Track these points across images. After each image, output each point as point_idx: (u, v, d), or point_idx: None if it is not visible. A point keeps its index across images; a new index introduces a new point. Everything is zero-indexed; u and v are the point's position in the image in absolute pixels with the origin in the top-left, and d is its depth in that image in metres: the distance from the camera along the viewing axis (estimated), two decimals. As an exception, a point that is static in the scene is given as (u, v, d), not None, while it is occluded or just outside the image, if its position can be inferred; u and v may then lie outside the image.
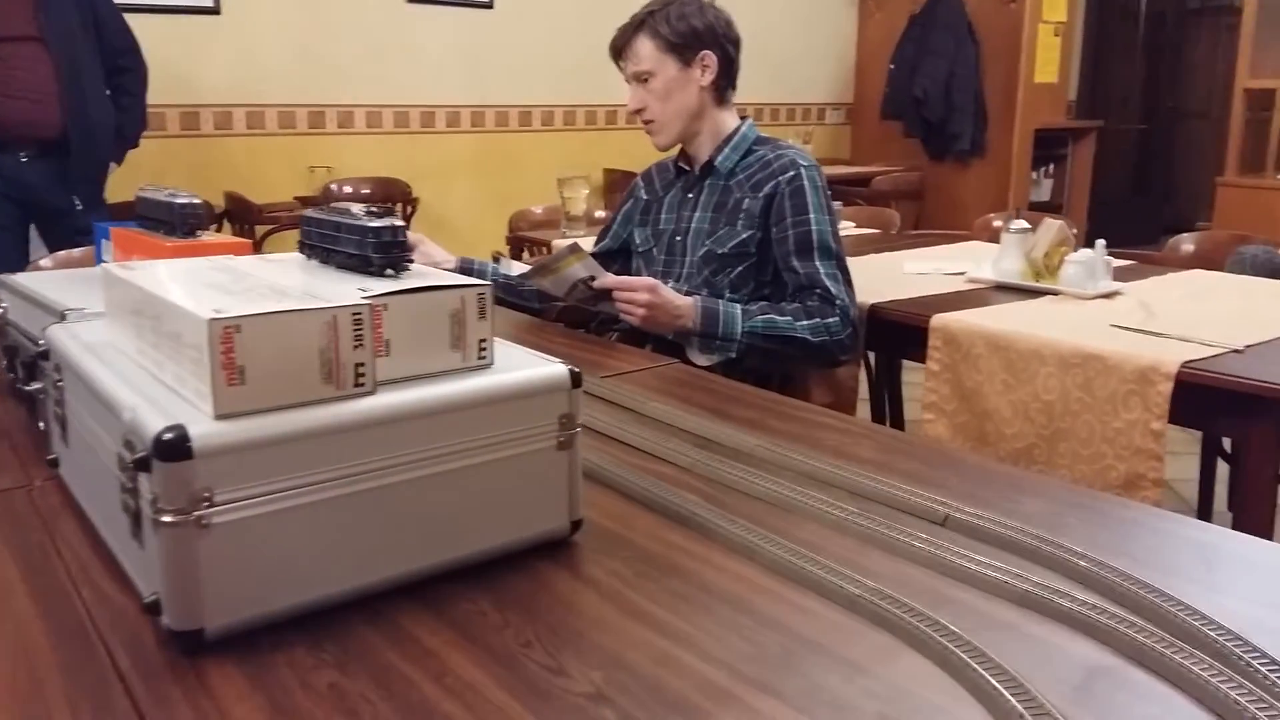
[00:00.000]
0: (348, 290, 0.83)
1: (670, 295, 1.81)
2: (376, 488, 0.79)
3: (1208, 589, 0.84)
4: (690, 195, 2.03)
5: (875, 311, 1.99)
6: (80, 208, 3.07)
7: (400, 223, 0.90)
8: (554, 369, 0.89)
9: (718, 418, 1.29)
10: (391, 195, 4.46)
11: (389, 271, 0.89)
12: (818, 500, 1.02)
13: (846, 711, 0.68)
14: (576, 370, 0.90)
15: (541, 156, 4.95)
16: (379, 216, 0.90)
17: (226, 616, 0.74)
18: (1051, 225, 2.11)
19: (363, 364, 0.79)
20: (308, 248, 0.99)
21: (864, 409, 3.08)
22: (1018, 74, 5.37)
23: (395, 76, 4.64)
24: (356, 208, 0.92)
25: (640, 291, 1.79)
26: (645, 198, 2.14)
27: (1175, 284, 2.19)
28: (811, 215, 1.87)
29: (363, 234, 0.89)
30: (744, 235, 1.92)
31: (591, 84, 5.00)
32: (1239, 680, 0.70)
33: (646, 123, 1.98)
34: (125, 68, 3.23)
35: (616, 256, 2.18)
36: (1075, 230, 2.38)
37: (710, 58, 1.90)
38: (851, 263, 1.93)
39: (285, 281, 0.86)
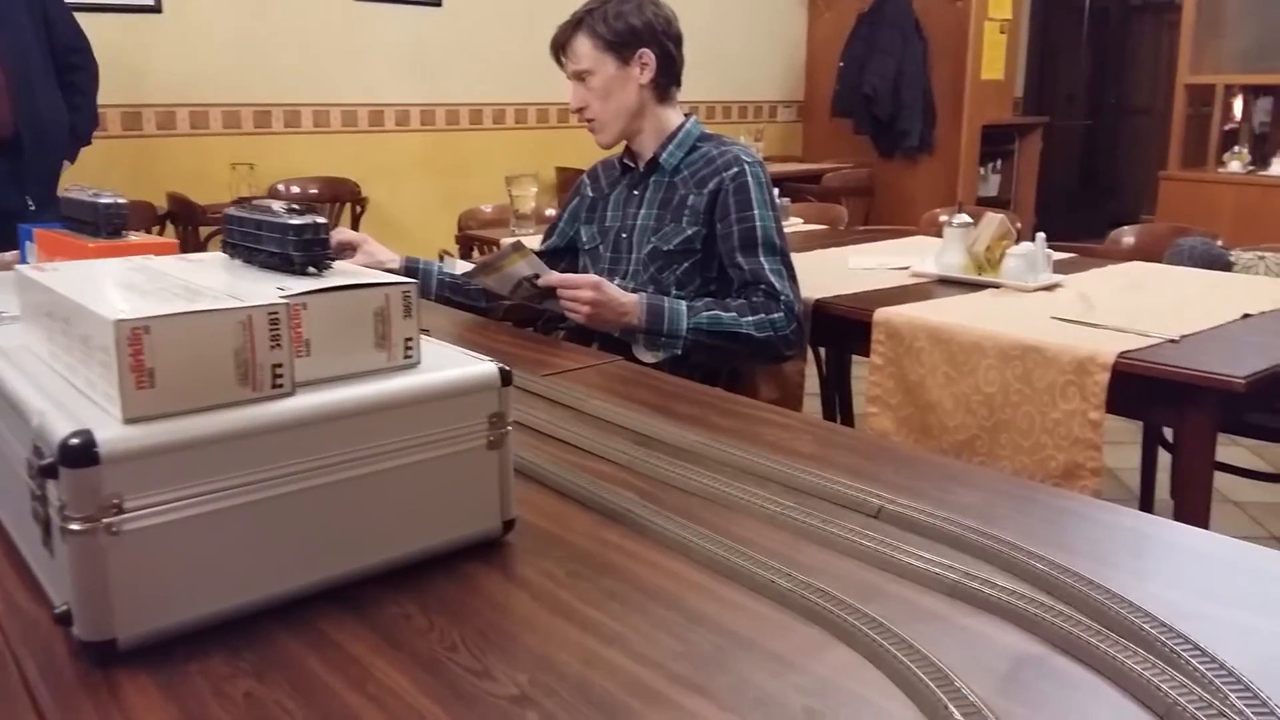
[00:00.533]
0: (266, 289, 0.81)
1: (615, 292, 1.80)
2: (297, 491, 0.77)
3: (1137, 577, 0.85)
4: (636, 192, 2.02)
5: (820, 306, 2.00)
6: (33, 208, 3.01)
7: (322, 220, 0.88)
8: (483, 367, 0.88)
9: (659, 414, 1.28)
10: (340, 195, 4.41)
11: (311, 270, 0.87)
12: (754, 495, 1.01)
13: (774, 707, 0.67)
14: (506, 368, 0.89)
15: (493, 155, 4.91)
16: (300, 214, 0.88)
17: (139, 626, 0.72)
18: (993, 219, 2.13)
19: (280, 365, 0.77)
20: (230, 247, 0.97)
21: (815, 405, 3.10)
22: (965, 71, 5.43)
23: (342, 75, 4.58)
24: (278, 205, 0.90)
25: (584, 289, 1.78)
26: (591, 195, 2.13)
27: (1114, 276, 2.22)
28: (756, 211, 1.87)
29: (283, 232, 0.87)
30: (689, 232, 1.91)
31: (543, 82, 4.96)
32: (1163, 667, 0.70)
33: (588, 121, 1.97)
34: (77, 65, 3.18)
35: (564, 254, 2.17)
36: (1019, 225, 2.41)
37: (649, 56, 1.89)
38: (798, 258, 1.93)
39: (202, 281, 0.84)
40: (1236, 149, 5.11)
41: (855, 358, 2.91)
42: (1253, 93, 5.40)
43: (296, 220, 0.87)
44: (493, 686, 0.70)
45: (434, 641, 0.75)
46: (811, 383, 2.97)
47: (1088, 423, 1.55)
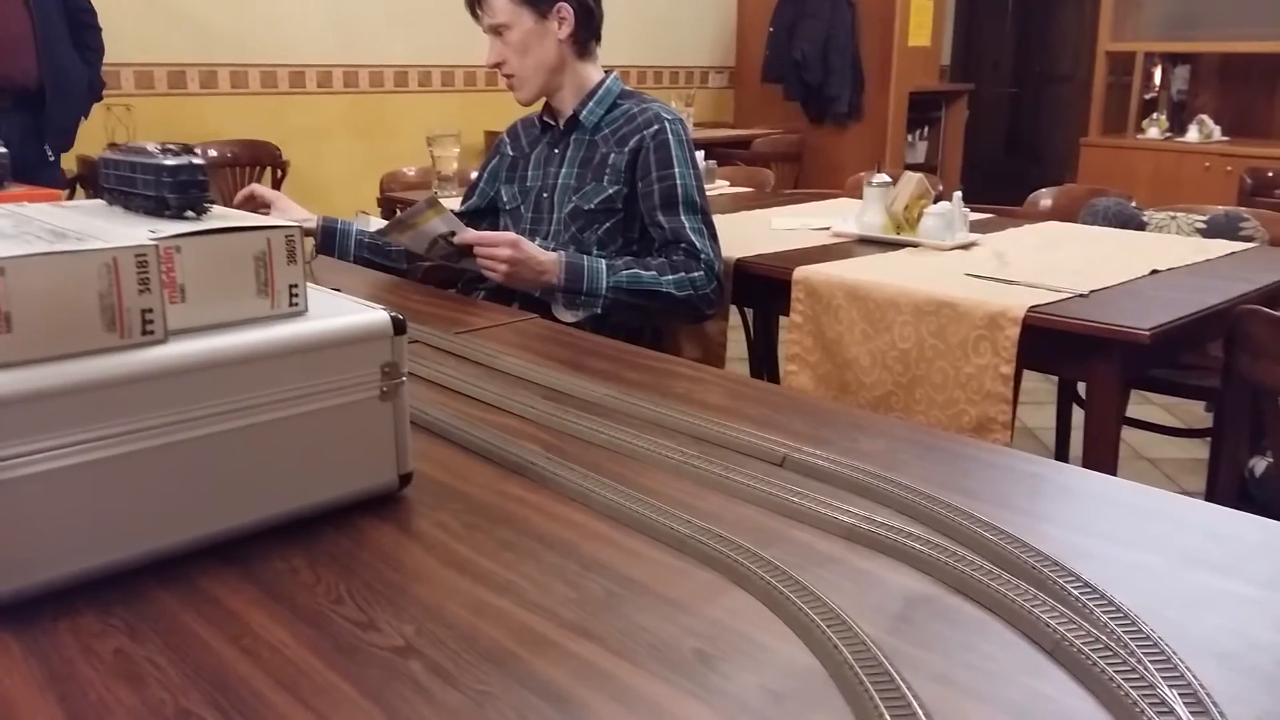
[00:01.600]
0: (137, 232, 0.77)
1: (533, 250, 1.77)
2: (174, 443, 0.74)
3: (1034, 519, 0.86)
4: (556, 151, 1.98)
5: (741, 266, 1.99)
6: (52, 158, 3.08)
7: (199, 161, 0.84)
8: (374, 315, 0.85)
9: (570, 370, 1.26)
10: (259, 158, 4.28)
11: (189, 213, 0.83)
12: (660, 446, 1.00)
13: (664, 650, 0.66)
14: (399, 316, 0.86)
15: (418, 118, 4.81)
16: (176, 155, 0.84)
17: (2, 584, 0.69)
18: (911, 179, 2.14)
19: (151, 310, 0.73)
20: (108, 192, 0.92)
21: (744, 369, 3.11)
22: (892, 37, 5.45)
23: (261, 34, 4.44)
24: (153, 146, 0.86)
25: (501, 247, 1.75)
26: (511, 154, 2.09)
27: (1029, 235, 2.25)
28: (676, 170, 1.85)
29: (158, 173, 0.83)
30: (610, 191, 1.89)
31: (470, 44, 4.85)
32: (1052, 604, 0.71)
33: (506, 77, 1.93)
34: (88, 24, 3.28)
35: (485, 215, 2.13)
36: (943, 189, 2.42)
37: (566, 10, 1.86)
38: (721, 219, 1.92)
39: (72, 225, 0.79)
40: (1155, 115, 5.22)
41: (782, 319, 2.92)
42: (1171, 61, 5.51)
43: (171, 161, 0.83)
44: (377, 638, 0.67)
45: (319, 595, 0.73)
46: (741, 346, 2.98)
47: (999, 377, 1.57)
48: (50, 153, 3.13)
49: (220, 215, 0.85)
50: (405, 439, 0.88)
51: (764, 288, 2.00)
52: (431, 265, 2.01)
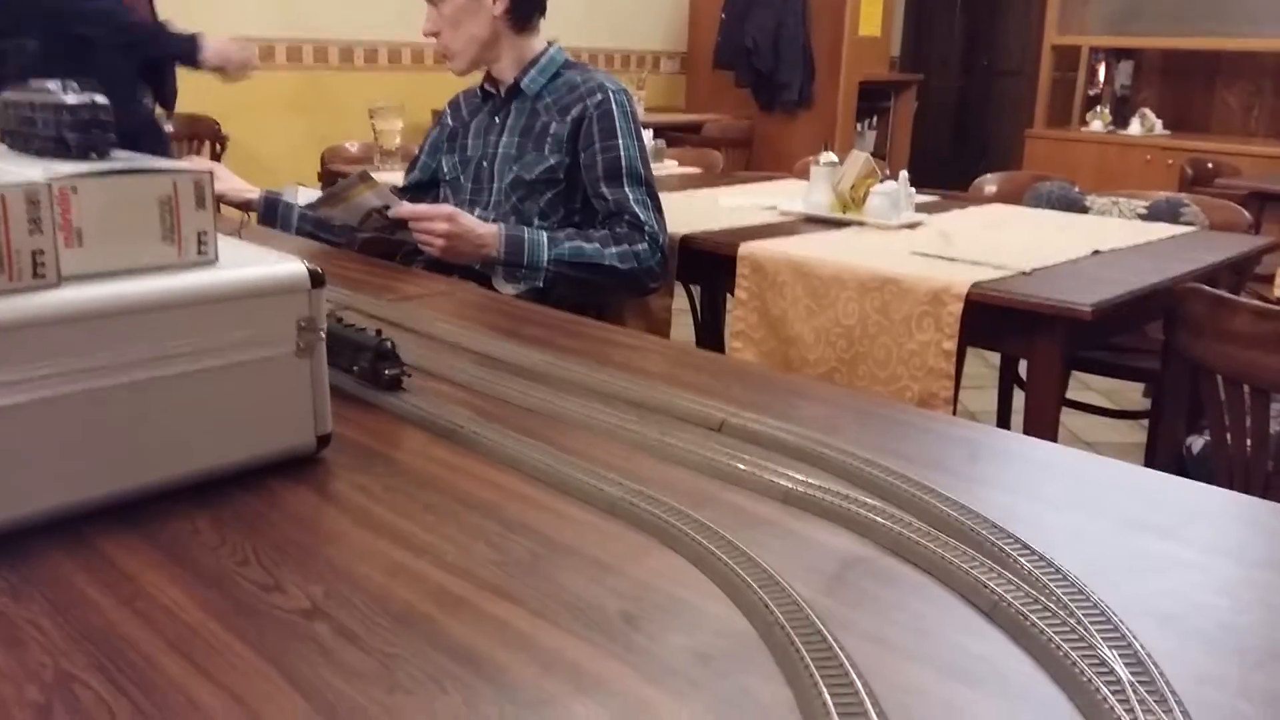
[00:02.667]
0: (30, 172, 0.71)
1: (471, 223, 1.72)
2: (67, 395, 0.69)
3: (971, 482, 0.84)
4: (497, 120, 1.94)
5: (687, 242, 1.96)
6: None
7: (102, 100, 0.79)
8: (289, 266, 0.81)
9: (507, 337, 1.22)
10: (199, 133, 4.16)
11: (92, 155, 0.78)
12: (594, 411, 0.97)
13: (588, 611, 0.63)
14: (317, 270, 0.82)
15: (364, 95, 4.69)
16: (78, 93, 0.79)
17: None
18: (859, 158, 2.12)
19: (42, 252, 0.68)
20: (8, 134, 0.86)
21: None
22: (843, 26, 5.46)
23: (202, 8, 4.31)
24: (54, 84, 0.80)
25: (438, 220, 1.70)
26: (452, 124, 2.03)
27: (975, 216, 2.25)
28: (620, 140, 1.82)
29: (58, 112, 0.78)
30: (552, 161, 1.84)
31: (417, 19, 4.79)
32: (990, 565, 0.69)
33: (442, 47, 1.88)
34: None
35: (428, 189, 2.07)
36: (889, 173, 2.41)
37: None
38: (669, 197, 1.89)
39: (-41, 163, 0.74)
40: (1099, 109, 5.30)
41: (729, 299, 2.90)
42: (1115, 56, 5.59)
43: (73, 99, 0.78)
44: (282, 600, 0.63)
45: (223, 556, 0.69)
46: (689, 329, 2.96)
47: (941, 353, 1.56)
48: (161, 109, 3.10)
49: (125, 158, 0.79)
50: (324, 399, 0.84)
51: (710, 265, 1.97)
52: (369, 238, 1.95)
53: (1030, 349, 1.57)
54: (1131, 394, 3.26)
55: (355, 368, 1.00)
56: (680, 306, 2.18)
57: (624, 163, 1.81)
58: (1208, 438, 1.61)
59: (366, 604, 0.63)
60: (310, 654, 0.58)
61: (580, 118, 1.83)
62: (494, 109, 1.95)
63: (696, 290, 2.86)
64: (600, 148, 1.81)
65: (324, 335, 0.82)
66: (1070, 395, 2.39)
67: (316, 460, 0.84)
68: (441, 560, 0.69)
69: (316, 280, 0.81)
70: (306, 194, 1.89)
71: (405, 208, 1.73)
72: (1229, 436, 1.51)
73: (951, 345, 1.55)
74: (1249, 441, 1.49)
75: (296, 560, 0.68)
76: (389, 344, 1.00)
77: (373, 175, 1.71)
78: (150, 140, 3.00)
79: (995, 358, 2.83)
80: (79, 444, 0.71)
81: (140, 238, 0.75)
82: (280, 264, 0.81)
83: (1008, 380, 2.39)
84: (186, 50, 3.00)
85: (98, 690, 0.54)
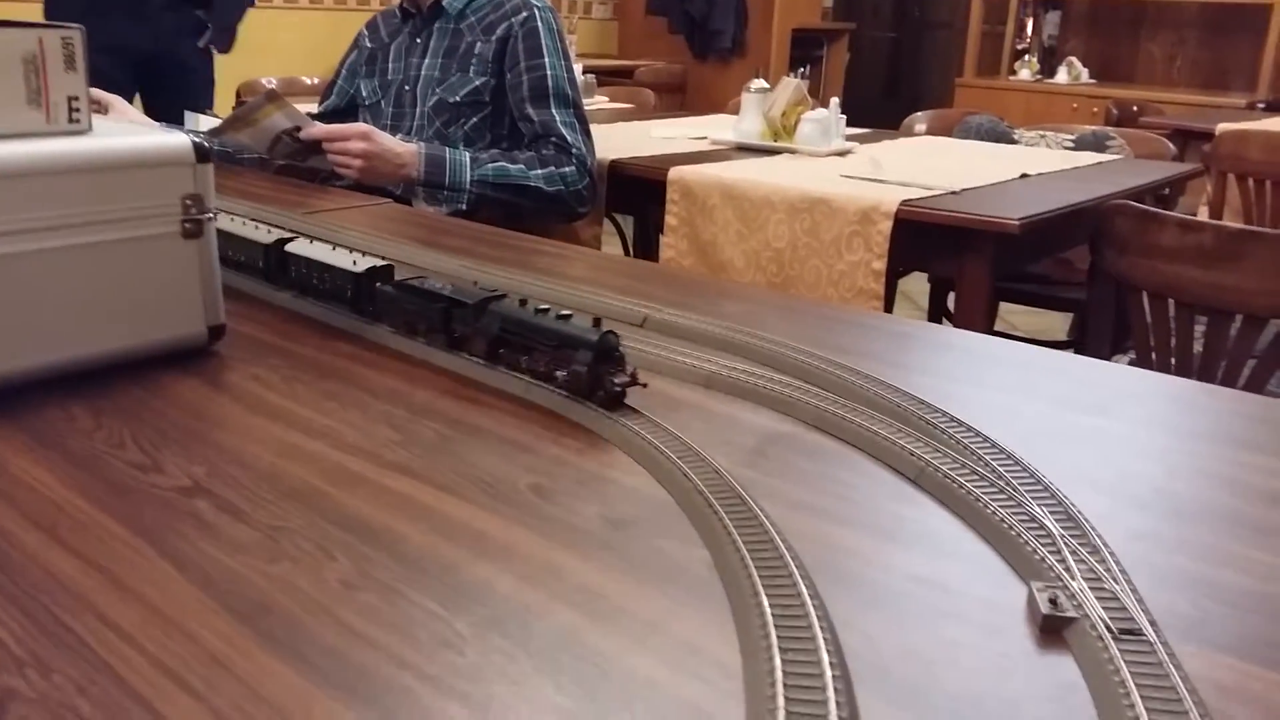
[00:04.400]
0: None
1: (389, 142, 1.65)
2: (-84, 265, 0.63)
3: (901, 369, 0.81)
4: (418, 40, 1.85)
5: (615, 168, 1.91)
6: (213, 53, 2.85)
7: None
8: (170, 137, 0.74)
9: (423, 246, 1.17)
10: (105, 73, 3.97)
11: (-56, 11, 0.71)
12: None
13: (497, 486, 0.59)
14: (202, 143, 0.75)
15: (285, 37, 4.54)
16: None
17: None
18: (789, 84, 2.09)
19: (-120, 102, 0.61)
20: None
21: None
22: (777, -28, 5.40)
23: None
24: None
25: (353, 140, 1.62)
26: (370, 46, 1.95)
27: (905, 145, 2.23)
28: (546, 59, 1.75)
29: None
30: (477, 82, 1.77)
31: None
32: (917, 435, 0.66)
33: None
34: None
35: (345, 116, 1.98)
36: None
37: None
38: (600, 128, 1.83)
39: None
40: (1027, 58, 5.33)
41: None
42: (1043, 7, 5.63)
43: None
44: (159, 479, 0.58)
45: (97, 441, 0.63)
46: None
47: (871, 273, 1.54)
48: (215, 51, 2.92)
49: (-19, 14, 0.72)
50: (214, 286, 0.78)
51: (640, 194, 1.92)
52: (282, 167, 1.86)
53: (959, 269, 1.56)
54: (1058, 334, 3.30)
55: (561, 373, 0.69)
56: (613, 241, 2.13)
57: (550, 83, 1.74)
58: (1133, 357, 1.62)
59: (254, 482, 0.58)
60: (186, 528, 0.53)
61: (506, 36, 1.76)
62: (415, 29, 1.87)
63: (630, 224, 2.82)
64: (526, 67, 1.75)
65: (214, 216, 0.76)
66: (997, 330, 2.40)
67: (209, 353, 0.79)
68: (341, 441, 0.64)
69: (202, 154, 0.75)
70: (208, 121, 1.78)
71: (318, 128, 1.64)
72: (1154, 356, 1.51)
73: (881, 265, 1.53)
74: (1173, 361, 1.50)
75: (179, 443, 0.63)
76: (614, 340, 0.68)
77: (280, 94, 1.63)
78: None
79: (924, 299, 2.83)
80: (-67, 322, 0.64)
81: (2, 100, 0.68)
82: (160, 135, 0.74)
83: (936, 312, 2.39)
84: None
85: (-57, 566, 0.49)
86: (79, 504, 0.55)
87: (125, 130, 0.74)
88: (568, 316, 0.70)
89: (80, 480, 0.57)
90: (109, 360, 0.73)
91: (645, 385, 0.67)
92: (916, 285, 2.63)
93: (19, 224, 0.67)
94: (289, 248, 0.92)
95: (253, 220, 0.99)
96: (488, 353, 0.73)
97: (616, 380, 0.66)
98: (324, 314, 0.90)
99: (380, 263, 0.87)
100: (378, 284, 0.85)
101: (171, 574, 0.49)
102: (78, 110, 0.72)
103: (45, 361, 0.70)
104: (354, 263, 0.87)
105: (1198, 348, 1.52)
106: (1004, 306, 2.33)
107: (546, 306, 0.72)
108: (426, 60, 1.83)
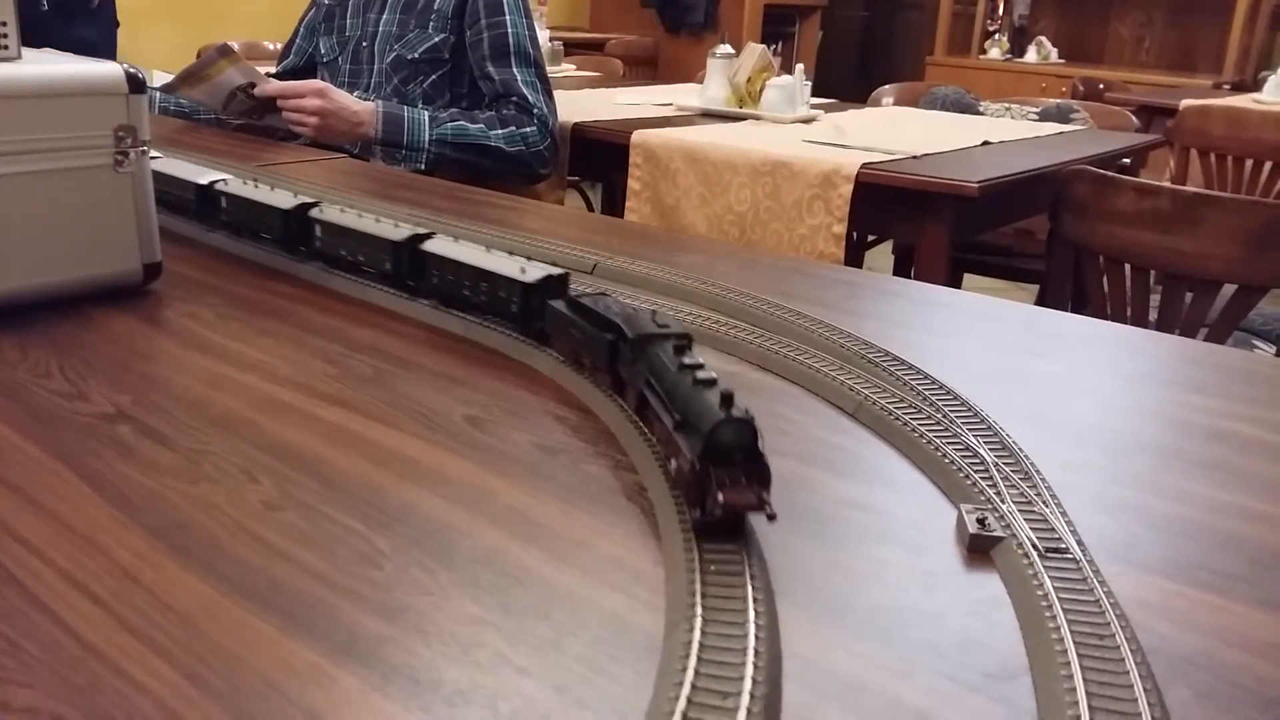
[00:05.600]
0: None
1: (345, 99, 1.62)
2: None
3: (850, 315, 0.81)
4: (377, -4, 1.82)
5: (578, 131, 1.89)
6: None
7: None
8: (102, 66, 0.72)
9: (377, 198, 1.15)
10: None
11: None
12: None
13: (431, 417, 0.58)
14: (137, 73, 0.73)
15: (250, 7, 4.46)
16: None
17: None
18: (754, 49, 2.07)
19: None
20: None
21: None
22: (749, -53, 5.38)
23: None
24: None
25: (309, 97, 1.59)
26: (328, 3, 1.91)
27: (870, 114, 2.23)
28: (508, 17, 1.73)
29: None
30: (436, 39, 1.75)
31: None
32: (857, 372, 0.66)
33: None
34: None
35: (303, 75, 1.94)
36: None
37: None
38: (565, 94, 1.81)
39: None
40: (997, 37, 5.35)
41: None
42: (1014, -14, 5.65)
43: None
44: (83, 406, 0.57)
45: (21, 371, 0.61)
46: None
47: (831, 236, 1.54)
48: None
49: (-97, -66, 0.70)
50: (150, 222, 0.76)
51: (603, 159, 1.91)
52: (238, 125, 1.83)
53: (919, 233, 1.56)
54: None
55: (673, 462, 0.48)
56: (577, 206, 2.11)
57: (512, 41, 1.72)
58: (1090, 323, 1.62)
59: (180, 410, 0.57)
60: (107, 451, 0.51)
61: (466, -9, 1.73)
62: (372, -15, 1.84)
63: (597, 194, 2.80)
64: (486, 24, 1.72)
65: (148, 149, 0.74)
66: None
67: (145, 292, 0.77)
68: (273, 374, 0.63)
69: (135, 85, 0.73)
70: (161, 76, 1.75)
71: (272, 85, 1.62)
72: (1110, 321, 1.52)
73: (841, 229, 1.53)
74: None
75: (106, 374, 0.62)
76: (737, 434, 0.46)
77: (234, 49, 1.60)
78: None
79: (890, 273, 2.84)
80: None
81: (-79, 21, 0.66)
82: (92, 64, 0.72)
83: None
84: None
85: None
86: (-5, 428, 0.53)
87: (56, 58, 0.72)
88: (710, 382, 0.50)
89: (0, 407, 0.56)
90: (41, 296, 0.71)
91: (773, 518, 0.42)
92: (882, 261, 2.64)
93: (-59, 150, 0.65)
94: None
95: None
96: (637, 407, 0.55)
97: (723, 498, 0.42)
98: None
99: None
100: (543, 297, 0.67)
101: (87, 493, 0.47)
102: (5, 37, 0.70)
103: (-30, 294, 0.68)
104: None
105: (1154, 315, 1.54)
106: (967, 278, 2.33)
107: (699, 362, 0.53)
108: (385, 16, 1.80)
